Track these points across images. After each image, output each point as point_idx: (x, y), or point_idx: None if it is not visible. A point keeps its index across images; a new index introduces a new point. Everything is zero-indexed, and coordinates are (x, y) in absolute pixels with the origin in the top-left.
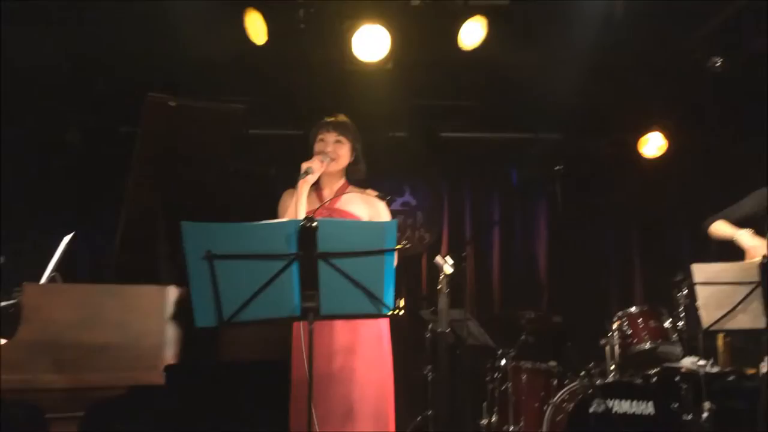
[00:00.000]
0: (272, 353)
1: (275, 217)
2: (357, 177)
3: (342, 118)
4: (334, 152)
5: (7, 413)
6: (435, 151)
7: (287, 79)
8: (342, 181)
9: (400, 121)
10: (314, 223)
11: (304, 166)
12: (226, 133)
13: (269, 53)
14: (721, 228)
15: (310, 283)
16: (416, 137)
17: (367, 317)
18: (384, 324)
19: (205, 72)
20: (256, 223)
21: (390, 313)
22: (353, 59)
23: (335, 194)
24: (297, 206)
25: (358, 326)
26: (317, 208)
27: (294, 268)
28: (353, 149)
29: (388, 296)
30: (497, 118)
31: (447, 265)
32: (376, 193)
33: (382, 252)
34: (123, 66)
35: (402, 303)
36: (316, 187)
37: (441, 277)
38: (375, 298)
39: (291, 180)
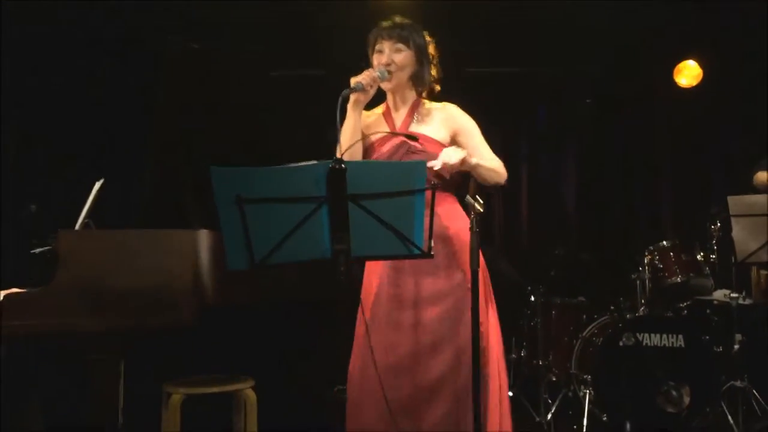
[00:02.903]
0: (314, 292)
1: (304, 158)
2: (425, 84)
3: (399, 19)
4: (393, 65)
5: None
6: (460, 87)
7: (308, 18)
8: (413, 97)
9: None
10: (343, 165)
11: (353, 81)
12: (250, 75)
13: None
14: (760, 177)
15: (340, 225)
16: (441, 74)
17: (398, 258)
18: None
19: (223, 13)
20: (285, 166)
21: (420, 253)
22: None
23: (408, 114)
24: (345, 131)
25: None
26: (386, 134)
27: (324, 211)
28: (417, 53)
29: (418, 236)
30: (524, 53)
31: (477, 204)
32: (454, 106)
33: (411, 192)
34: (137, 9)
35: (433, 243)
36: (386, 107)
37: (471, 216)
38: (405, 239)
39: (317, 121)
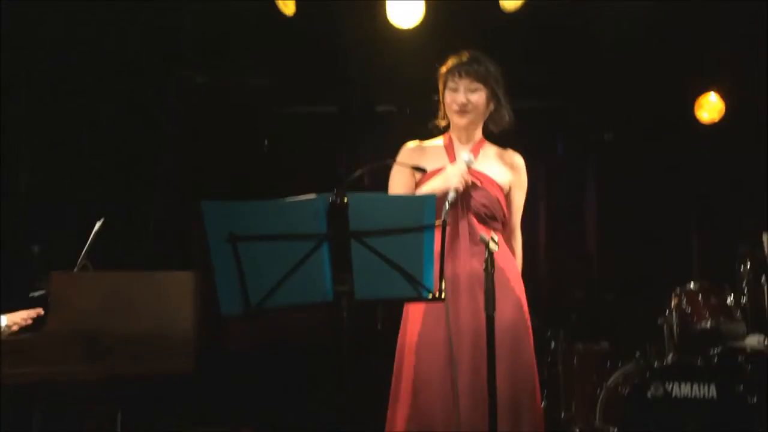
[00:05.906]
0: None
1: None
2: (500, 127)
3: (474, 57)
4: (469, 104)
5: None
6: None
7: (319, 52)
8: (479, 135)
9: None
10: (344, 199)
11: (450, 195)
12: (256, 110)
13: (299, 24)
14: None
15: (342, 265)
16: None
17: (406, 301)
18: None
19: (234, 46)
20: (281, 200)
21: (431, 296)
22: (388, 26)
23: (471, 151)
24: None
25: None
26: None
27: (324, 249)
28: (493, 94)
29: (428, 277)
30: (541, 85)
31: (492, 243)
32: (520, 157)
33: (420, 229)
34: (145, 41)
35: (444, 285)
36: (448, 139)
37: (486, 255)
38: (413, 280)
39: (324, 158)
